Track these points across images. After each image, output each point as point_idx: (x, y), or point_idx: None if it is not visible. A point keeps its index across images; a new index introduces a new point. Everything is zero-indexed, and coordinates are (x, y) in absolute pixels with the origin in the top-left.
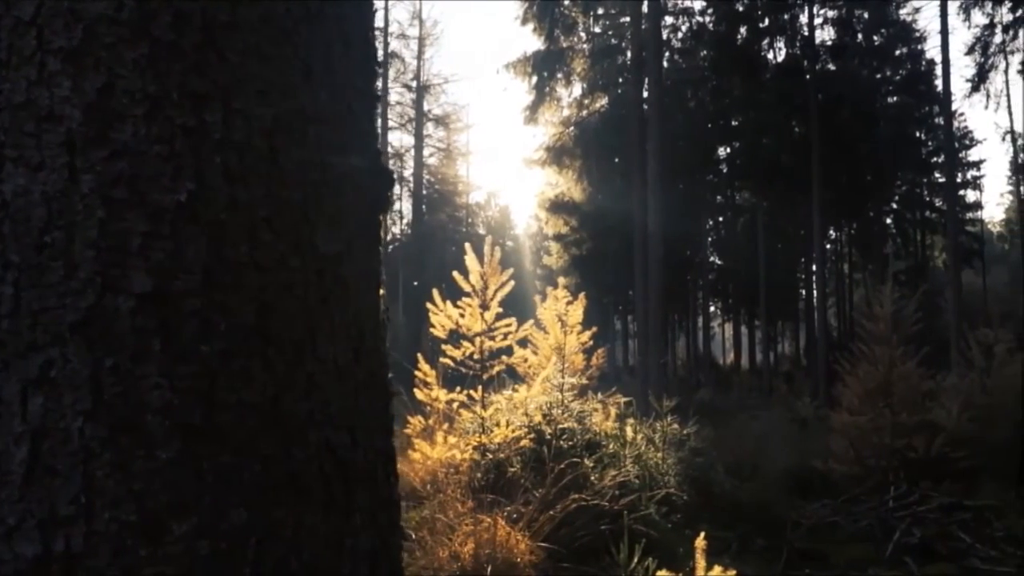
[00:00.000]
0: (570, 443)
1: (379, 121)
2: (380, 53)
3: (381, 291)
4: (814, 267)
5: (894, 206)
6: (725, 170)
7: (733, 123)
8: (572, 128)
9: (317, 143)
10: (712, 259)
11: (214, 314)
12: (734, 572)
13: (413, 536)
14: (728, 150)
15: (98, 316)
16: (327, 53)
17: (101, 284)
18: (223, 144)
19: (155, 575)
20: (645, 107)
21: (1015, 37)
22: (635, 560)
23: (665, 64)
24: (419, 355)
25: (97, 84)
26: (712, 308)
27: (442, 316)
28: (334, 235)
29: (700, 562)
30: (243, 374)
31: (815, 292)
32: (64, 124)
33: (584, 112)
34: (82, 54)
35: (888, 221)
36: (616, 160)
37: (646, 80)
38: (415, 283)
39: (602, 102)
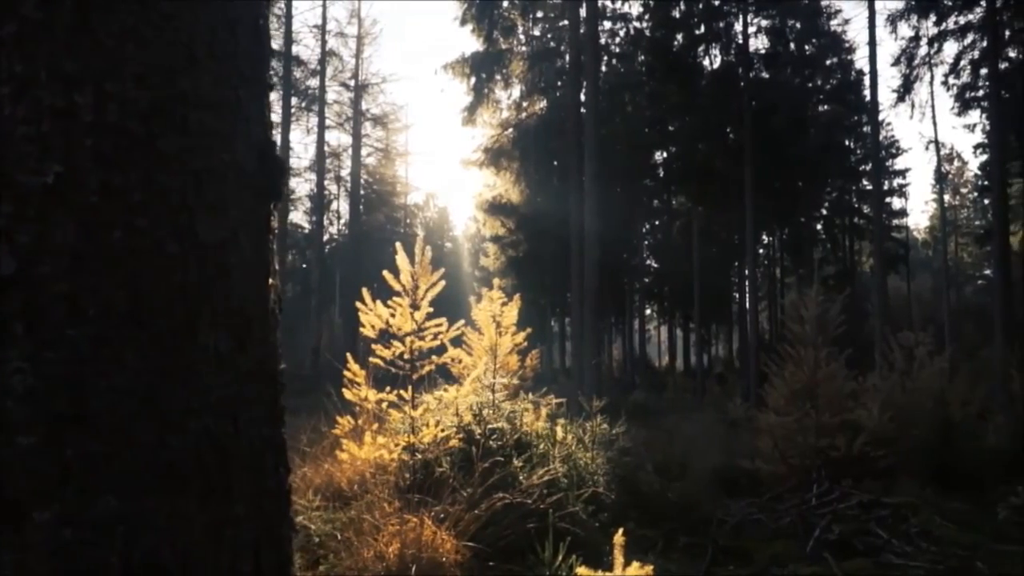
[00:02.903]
0: (500, 443)
1: (316, 120)
2: (318, 51)
3: (272, 281)
4: (747, 271)
5: (824, 212)
6: (661, 174)
7: (669, 128)
8: (510, 130)
9: (199, 129)
10: (648, 262)
11: (84, 299)
12: (651, 568)
13: (339, 537)
14: (664, 155)
15: None
16: (212, 39)
17: None
18: (95, 127)
19: (15, 562)
20: (583, 111)
21: (939, 50)
22: (560, 558)
23: (603, 68)
24: (349, 355)
25: None
26: (648, 311)
27: (372, 316)
28: (217, 223)
29: (619, 558)
30: (115, 360)
31: (747, 296)
32: None
33: (522, 114)
34: None
35: (818, 227)
36: (554, 163)
37: (584, 84)
38: (352, 283)
39: (540, 105)
